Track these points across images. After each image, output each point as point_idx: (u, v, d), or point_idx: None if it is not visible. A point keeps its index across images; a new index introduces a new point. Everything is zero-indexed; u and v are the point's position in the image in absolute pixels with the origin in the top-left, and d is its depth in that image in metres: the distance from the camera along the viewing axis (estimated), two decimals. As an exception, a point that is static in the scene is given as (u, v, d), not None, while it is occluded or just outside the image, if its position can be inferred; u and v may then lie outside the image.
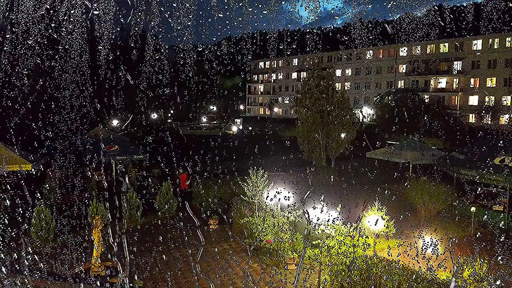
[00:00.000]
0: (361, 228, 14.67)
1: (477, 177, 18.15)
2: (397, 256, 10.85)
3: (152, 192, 20.20)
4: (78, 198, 18.89)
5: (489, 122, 59.76)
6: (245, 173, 16.53)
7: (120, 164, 24.05)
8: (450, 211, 18.44)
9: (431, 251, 11.03)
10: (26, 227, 14.62)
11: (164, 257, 13.95)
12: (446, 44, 69.25)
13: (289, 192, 14.54)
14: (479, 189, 19.36)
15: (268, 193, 14.92)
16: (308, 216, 13.63)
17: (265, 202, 15.18)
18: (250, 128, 62.11)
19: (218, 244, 15.64)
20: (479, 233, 15.96)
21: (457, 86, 67.89)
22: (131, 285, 10.76)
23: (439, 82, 70.67)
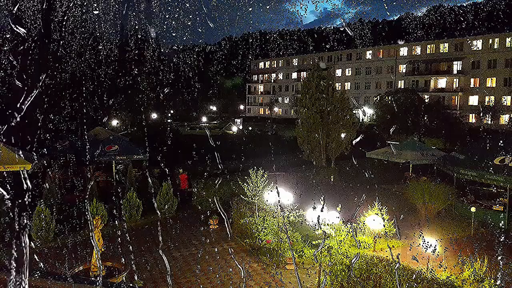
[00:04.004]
0: (361, 228, 14.68)
1: (477, 177, 18.14)
2: (397, 256, 10.84)
3: (152, 192, 20.20)
4: (78, 198, 18.88)
5: (489, 122, 59.77)
6: (245, 173, 16.53)
7: (120, 164, 24.04)
8: (450, 211, 18.43)
9: (431, 251, 11.03)
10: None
11: (164, 257, 13.95)
12: (446, 44, 69.26)
13: (290, 192, 14.54)
14: (481, 191, 19.33)
15: (269, 193, 14.92)
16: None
17: (265, 202, 15.18)
18: (250, 128, 62.09)
19: (218, 244, 15.64)
20: (479, 233, 15.97)
21: (457, 86, 67.89)
22: (131, 285, 10.75)
23: (439, 82, 70.68)
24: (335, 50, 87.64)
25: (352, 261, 10.72)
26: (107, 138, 24.68)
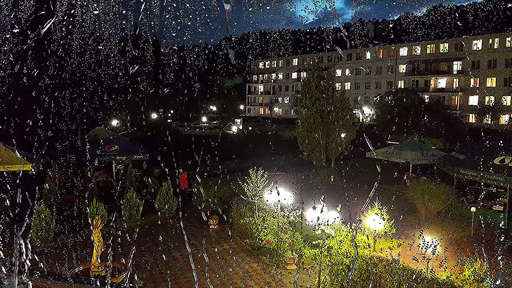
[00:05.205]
0: (361, 228, 14.67)
1: (477, 177, 18.13)
2: (397, 256, 10.85)
3: (152, 192, 20.20)
4: (78, 198, 18.88)
5: (489, 122, 59.74)
6: (245, 173, 16.53)
7: (120, 164, 24.03)
8: (450, 211, 18.43)
9: (431, 251, 11.03)
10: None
11: (164, 257, 13.95)
12: (446, 44, 69.25)
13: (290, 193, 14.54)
14: (483, 193, 19.31)
15: (269, 193, 14.92)
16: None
17: (265, 202, 15.18)
18: (250, 128, 62.07)
19: (218, 244, 15.64)
20: (481, 233, 15.97)
21: (457, 86, 67.88)
22: (131, 285, 10.75)
23: (439, 82, 70.68)
24: (335, 50, 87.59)
25: (351, 266, 10.72)
26: (107, 138, 24.67)
